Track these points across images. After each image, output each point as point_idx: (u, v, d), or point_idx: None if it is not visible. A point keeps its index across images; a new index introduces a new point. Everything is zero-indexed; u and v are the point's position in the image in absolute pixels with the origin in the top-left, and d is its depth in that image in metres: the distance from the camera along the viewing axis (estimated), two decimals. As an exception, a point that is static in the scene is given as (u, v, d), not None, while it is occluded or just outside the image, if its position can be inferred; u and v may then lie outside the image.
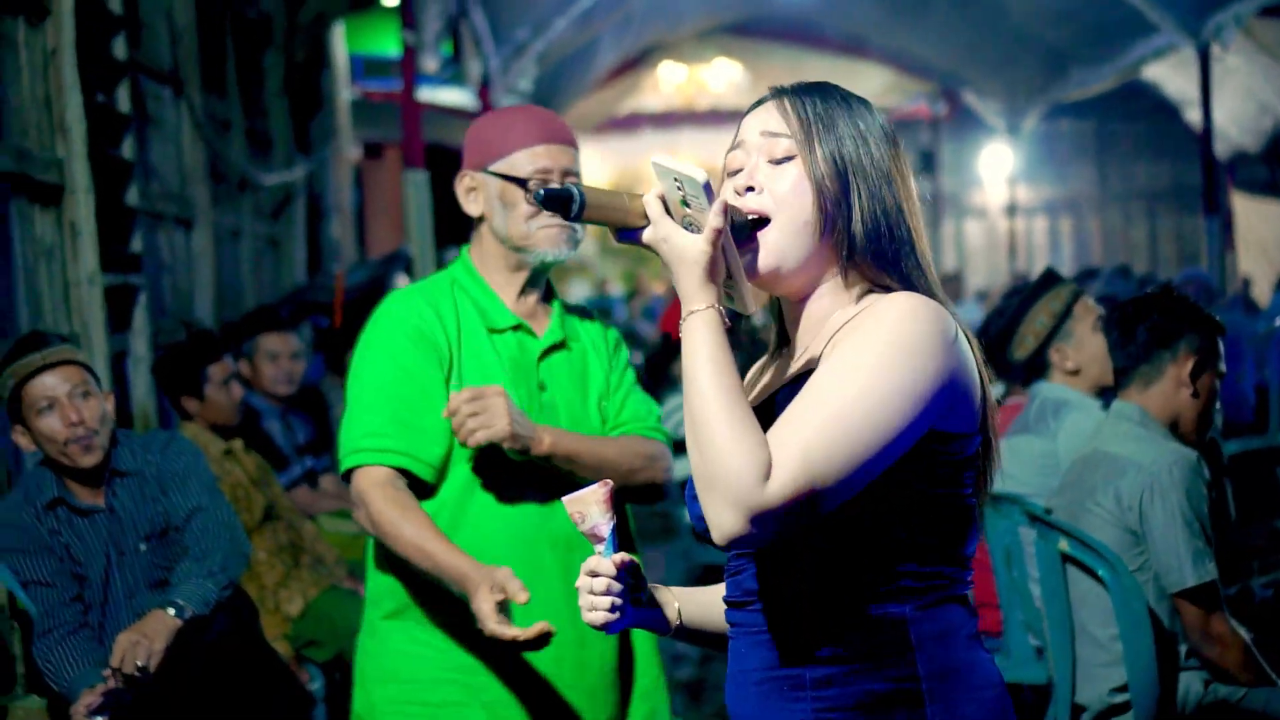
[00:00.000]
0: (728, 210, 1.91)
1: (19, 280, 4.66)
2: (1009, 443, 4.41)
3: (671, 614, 2.19)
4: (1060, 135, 22.65)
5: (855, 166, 1.98)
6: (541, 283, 3.12)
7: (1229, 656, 3.42)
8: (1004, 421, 4.71)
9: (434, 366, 2.96)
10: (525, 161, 3.00)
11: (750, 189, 2.00)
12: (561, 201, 1.93)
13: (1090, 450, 3.65)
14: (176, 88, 6.86)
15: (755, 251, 1.99)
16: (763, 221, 1.99)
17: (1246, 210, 19.01)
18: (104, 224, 5.22)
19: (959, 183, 24.02)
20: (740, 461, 1.77)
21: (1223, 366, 3.64)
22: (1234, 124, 17.23)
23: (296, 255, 10.00)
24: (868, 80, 21.28)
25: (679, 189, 1.91)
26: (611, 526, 2.03)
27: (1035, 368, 4.52)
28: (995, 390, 5.39)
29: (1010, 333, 4.52)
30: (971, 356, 1.96)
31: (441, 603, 2.93)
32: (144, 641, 3.52)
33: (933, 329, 1.88)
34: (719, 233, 1.88)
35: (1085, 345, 4.36)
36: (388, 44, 14.04)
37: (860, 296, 2.01)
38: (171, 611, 3.62)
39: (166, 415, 6.01)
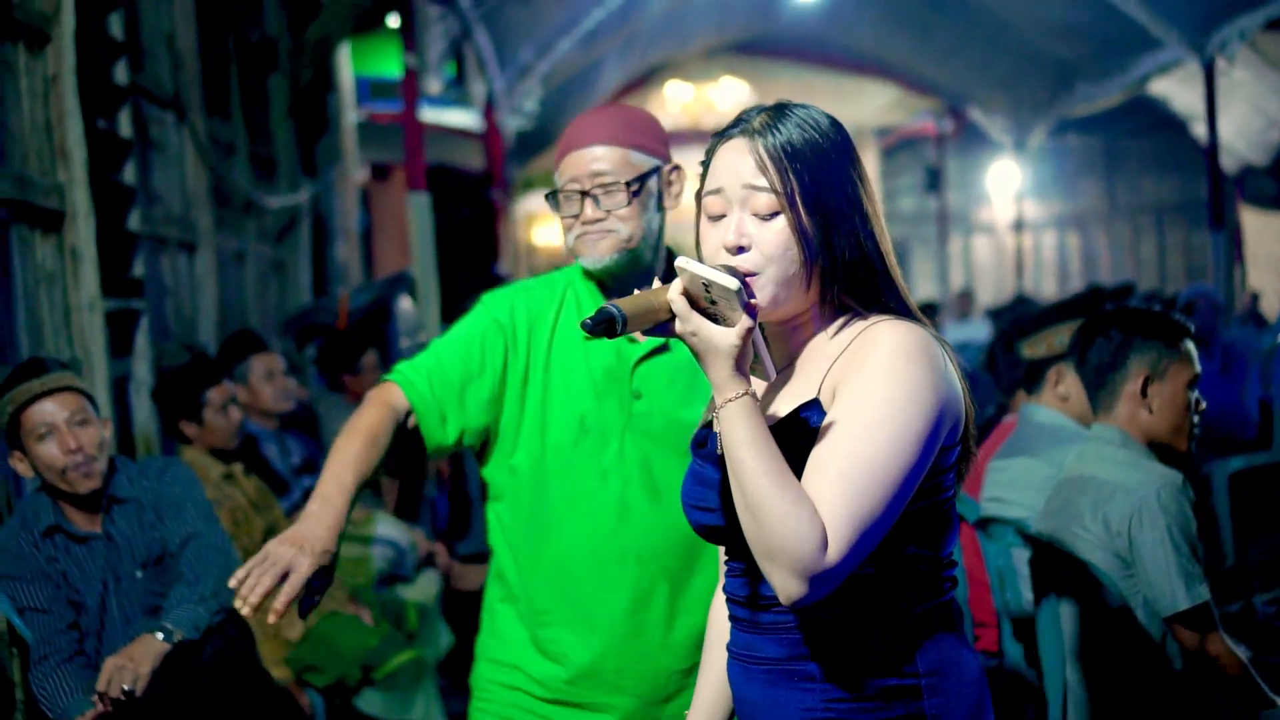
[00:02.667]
0: (735, 275, 1.99)
1: (19, 306, 4.67)
2: (1005, 464, 4.39)
3: None
4: (1067, 151, 22.67)
5: (832, 211, 2.06)
6: (636, 282, 2.86)
7: (1231, 674, 3.40)
8: (995, 443, 4.71)
9: (493, 360, 2.97)
10: (561, 173, 2.97)
11: (741, 248, 2.07)
12: (606, 325, 2.00)
13: (1075, 474, 3.63)
14: (179, 112, 6.88)
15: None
16: (754, 272, 2.07)
17: (1255, 224, 18.98)
18: (105, 249, 5.23)
19: (966, 199, 24.04)
20: (800, 537, 1.89)
21: (1195, 368, 3.54)
22: (1241, 138, 17.21)
23: (301, 278, 10.01)
24: (873, 98, 21.32)
25: (705, 289, 1.99)
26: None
27: (1031, 375, 4.51)
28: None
29: (1030, 331, 4.50)
30: (955, 373, 2.08)
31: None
32: (130, 665, 3.52)
33: (928, 365, 2.01)
34: (750, 330, 1.97)
35: None
36: (394, 66, 14.07)
37: (837, 318, 2.13)
38: (160, 635, 3.62)
39: (169, 440, 6.02)
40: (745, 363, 1.98)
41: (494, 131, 13.62)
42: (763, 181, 2.05)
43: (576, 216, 2.93)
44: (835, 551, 1.89)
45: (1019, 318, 4.88)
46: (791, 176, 2.04)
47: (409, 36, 9.63)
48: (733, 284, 1.95)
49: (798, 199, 2.04)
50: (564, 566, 2.96)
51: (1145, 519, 3.39)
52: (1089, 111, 17.81)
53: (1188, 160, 20.28)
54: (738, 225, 2.07)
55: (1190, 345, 3.56)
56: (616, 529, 2.94)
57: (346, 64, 12.03)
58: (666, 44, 18.26)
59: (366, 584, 5.73)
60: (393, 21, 11.16)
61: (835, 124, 2.12)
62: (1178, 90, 16.68)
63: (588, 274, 3.04)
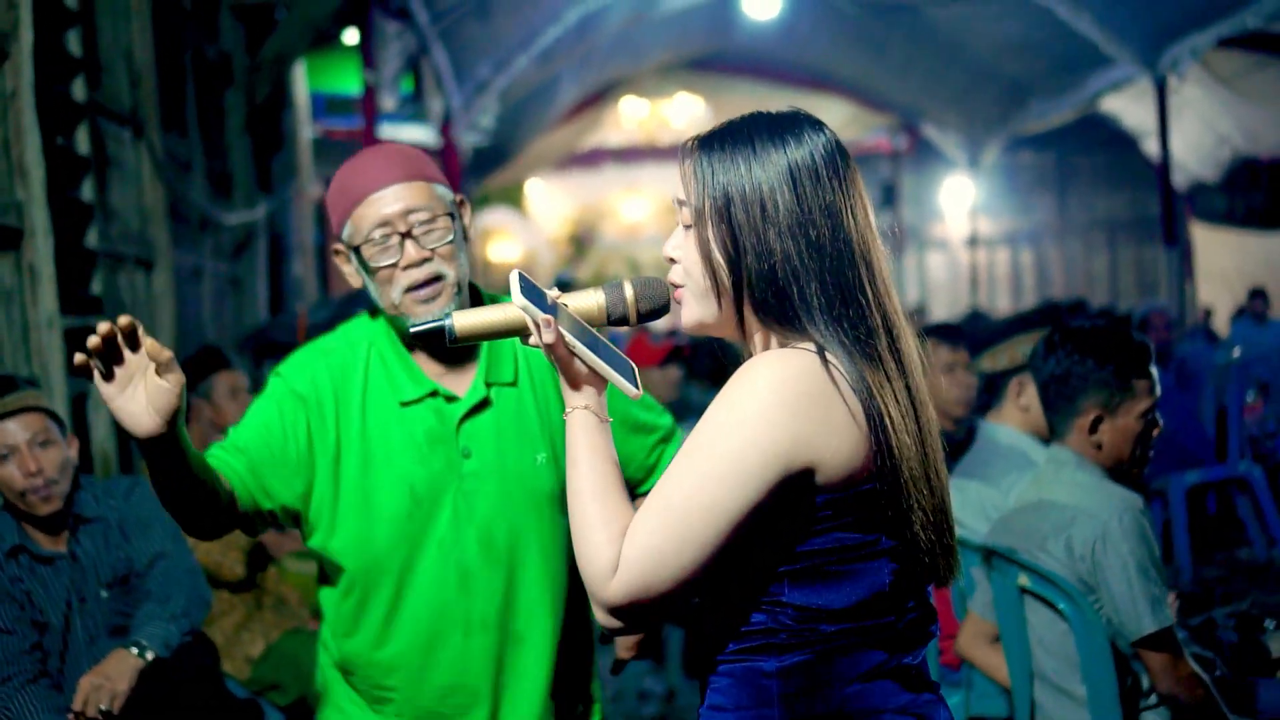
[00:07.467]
0: (554, 324, 1.96)
1: (-23, 324, 4.65)
2: (964, 485, 4.39)
3: None
4: (1021, 167, 22.85)
5: (740, 226, 1.94)
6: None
7: (1197, 697, 3.41)
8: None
9: (295, 437, 2.75)
10: (361, 221, 2.72)
11: (673, 260, 2.04)
12: (436, 336, 2.01)
13: (1036, 498, 3.62)
14: (136, 129, 6.85)
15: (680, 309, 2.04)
16: (680, 284, 2.04)
17: (1206, 240, 19.18)
18: (64, 266, 5.20)
19: (920, 215, 24.18)
20: (589, 560, 1.88)
21: (1151, 398, 3.49)
22: (1192, 155, 17.40)
23: (258, 294, 9.99)
24: (828, 114, 21.30)
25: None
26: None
27: (990, 387, 4.52)
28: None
29: (990, 344, 4.50)
30: (849, 404, 1.89)
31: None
32: (107, 685, 3.49)
33: (776, 400, 1.85)
34: (549, 346, 1.96)
35: None
36: (349, 82, 14.07)
37: (772, 343, 2.01)
38: (135, 651, 3.59)
39: (128, 457, 5.98)
40: (574, 376, 1.98)
41: (450, 148, 13.61)
42: (681, 194, 2.00)
43: (395, 264, 2.70)
44: (618, 581, 1.85)
45: (974, 333, 4.89)
46: (702, 189, 1.96)
47: (368, 53, 9.62)
48: (517, 301, 1.95)
49: (706, 218, 1.95)
50: (405, 641, 2.80)
51: (1109, 544, 3.37)
52: (1042, 128, 17.97)
53: (1139, 176, 20.49)
54: (672, 239, 2.03)
55: (1144, 381, 3.50)
56: (457, 598, 2.78)
57: (302, 80, 12.01)
58: (623, 60, 18.29)
59: (328, 602, 5.70)
60: (349, 38, 11.15)
61: (783, 135, 1.98)
62: (1129, 107, 16.84)
63: (393, 327, 2.84)
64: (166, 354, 2.17)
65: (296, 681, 4.83)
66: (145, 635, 3.65)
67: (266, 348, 8.45)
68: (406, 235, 2.71)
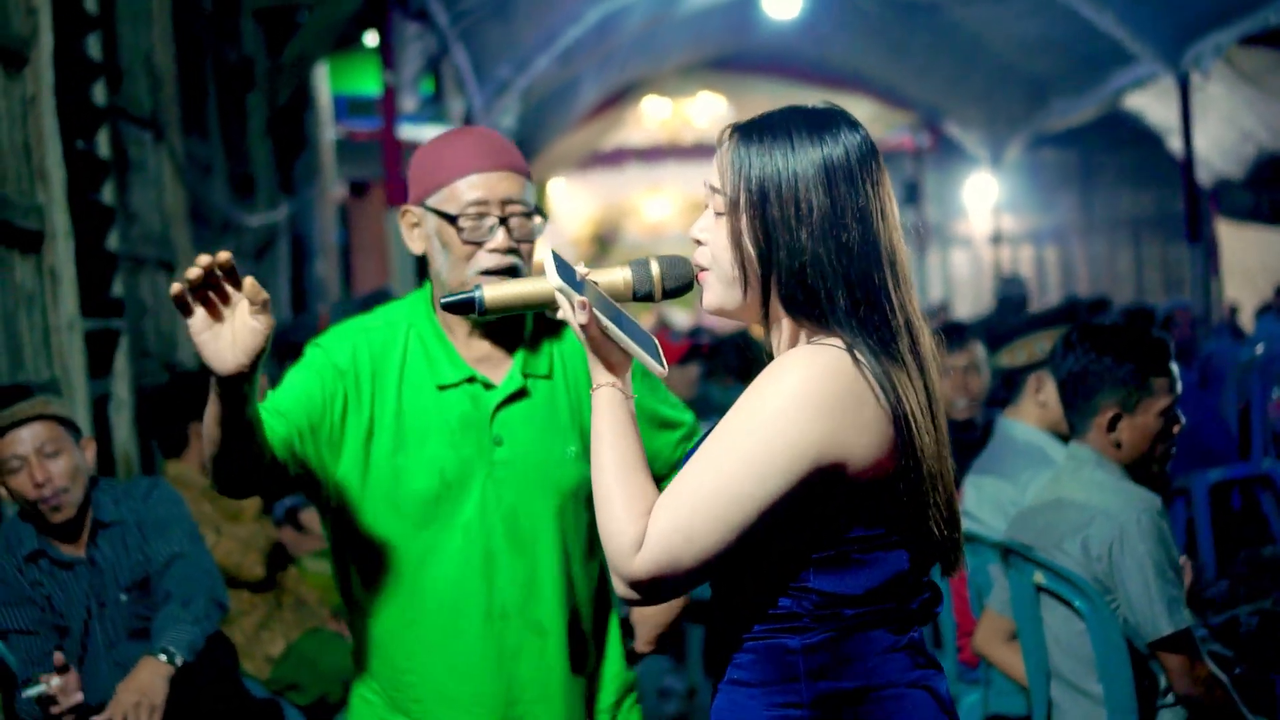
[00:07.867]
0: (589, 306, 2.01)
1: (-1, 327, 4.67)
2: (980, 481, 4.38)
3: None
4: (1044, 165, 22.75)
5: (773, 221, 1.98)
6: (499, 324, 2.84)
7: (1216, 698, 3.39)
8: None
9: (332, 409, 2.73)
10: (460, 193, 2.75)
11: (699, 242, 2.08)
12: (465, 306, 2.08)
13: (1053, 496, 3.60)
14: (157, 132, 6.87)
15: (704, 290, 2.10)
16: (705, 268, 2.09)
17: (1231, 237, 19.08)
18: (85, 269, 5.22)
19: (944, 213, 24.11)
20: (613, 535, 1.94)
21: (1170, 396, 3.48)
22: (1216, 151, 17.31)
23: (281, 295, 10.01)
24: (851, 112, 21.36)
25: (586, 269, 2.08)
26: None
27: (1008, 383, 4.51)
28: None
29: (1008, 339, 4.50)
30: (879, 403, 1.94)
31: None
32: (146, 700, 3.47)
33: (802, 396, 1.91)
34: (583, 326, 2.01)
35: None
36: (371, 83, 14.11)
37: (796, 340, 2.05)
38: (164, 659, 3.57)
39: (149, 459, 6.00)
40: (604, 353, 2.04)
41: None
42: (716, 182, 2.04)
43: (480, 244, 2.75)
44: (641, 560, 1.90)
45: (990, 329, 4.89)
46: (739, 180, 2.00)
47: (387, 54, 9.65)
48: (553, 281, 2.02)
49: (740, 208, 2.00)
50: (427, 627, 2.80)
51: (1126, 545, 3.35)
52: (1064, 126, 17.89)
53: (1164, 174, 20.33)
54: (701, 220, 2.08)
55: (1163, 379, 3.48)
56: (479, 584, 2.78)
57: (324, 82, 12.04)
58: (644, 60, 18.29)
59: (348, 602, 5.71)
60: (370, 40, 11.17)
61: (821, 133, 2.02)
62: (1153, 104, 16.76)
63: (435, 310, 2.86)
64: (264, 295, 2.17)
65: (316, 681, 4.84)
66: (171, 640, 3.63)
67: (288, 349, 8.46)
68: (503, 221, 2.76)
